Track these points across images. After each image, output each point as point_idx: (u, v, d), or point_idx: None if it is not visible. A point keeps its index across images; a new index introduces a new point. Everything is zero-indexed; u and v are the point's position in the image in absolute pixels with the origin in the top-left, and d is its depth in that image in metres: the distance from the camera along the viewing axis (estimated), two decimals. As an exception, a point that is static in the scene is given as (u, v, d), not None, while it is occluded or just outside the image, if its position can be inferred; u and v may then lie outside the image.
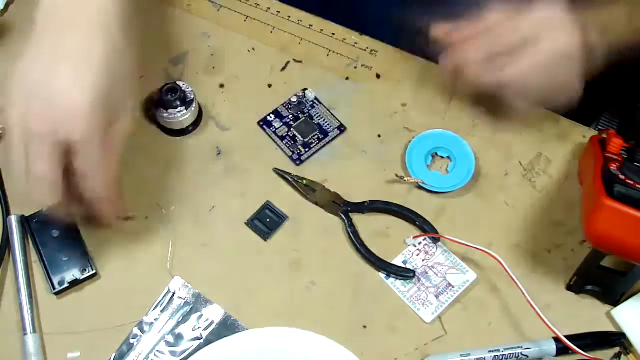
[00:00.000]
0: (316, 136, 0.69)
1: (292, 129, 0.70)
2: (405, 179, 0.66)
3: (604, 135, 0.65)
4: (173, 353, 0.60)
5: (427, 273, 0.64)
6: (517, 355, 0.59)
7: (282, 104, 0.71)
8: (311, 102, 0.71)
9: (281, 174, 0.67)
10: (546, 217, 0.66)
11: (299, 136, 0.69)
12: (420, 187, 0.66)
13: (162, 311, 0.61)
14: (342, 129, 0.70)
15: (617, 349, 0.60)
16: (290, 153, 0.68)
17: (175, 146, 0.69)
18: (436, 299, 0.62)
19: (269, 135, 0.69)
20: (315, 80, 0.72)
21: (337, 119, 0.70)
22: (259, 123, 0.70)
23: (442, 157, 0.68)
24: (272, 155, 0.68)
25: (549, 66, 0.61)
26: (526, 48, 0.60)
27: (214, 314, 0.61)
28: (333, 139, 0.69)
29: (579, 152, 0.69)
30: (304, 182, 0.67)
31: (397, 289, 0.63)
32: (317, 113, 0.70)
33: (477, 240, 0.62)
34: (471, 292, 0.63)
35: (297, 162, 0.68)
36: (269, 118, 0.70)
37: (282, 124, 0.70)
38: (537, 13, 0.61)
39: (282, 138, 0.69)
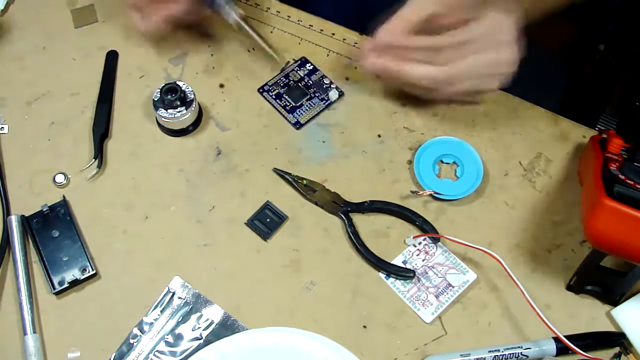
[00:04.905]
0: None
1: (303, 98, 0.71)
2: (419, 192, 0.65)
3: (604, 135, 0.65)
4: (173, 353, 0.60)
5: (427, 273, 0.64)
6: (517, 355, 0.59)
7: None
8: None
9: (281, 174, 0.67)
10: (546, 217, 0.66)
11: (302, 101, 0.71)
12: (435, 198, 0.66)
13: (162, 311, 0.61)
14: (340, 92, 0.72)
15: (617, 349, 0.60)
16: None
17: (175, 146, 0.69)
18: (436, 299, 0.62)
19: (268, 101, 0.71)
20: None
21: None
22: (259, 90, 0.71)
23: (448, 164, 0.68)
24: (272, 155, 0.69)
25: (486, 71, 0.64)
26: (470, 51, 0.63)
27: (213, 314, 0.61)
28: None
29: (579, 152, 0.69)
30: (304, 182, 0.66)
31: (397, 289, 0.63)
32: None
33: (477, 240, 0.62)
34: (471, 292, 0.63)
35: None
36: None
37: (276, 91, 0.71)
38: (487, 20, 0.62)
39: (285, 107, 0.71)
